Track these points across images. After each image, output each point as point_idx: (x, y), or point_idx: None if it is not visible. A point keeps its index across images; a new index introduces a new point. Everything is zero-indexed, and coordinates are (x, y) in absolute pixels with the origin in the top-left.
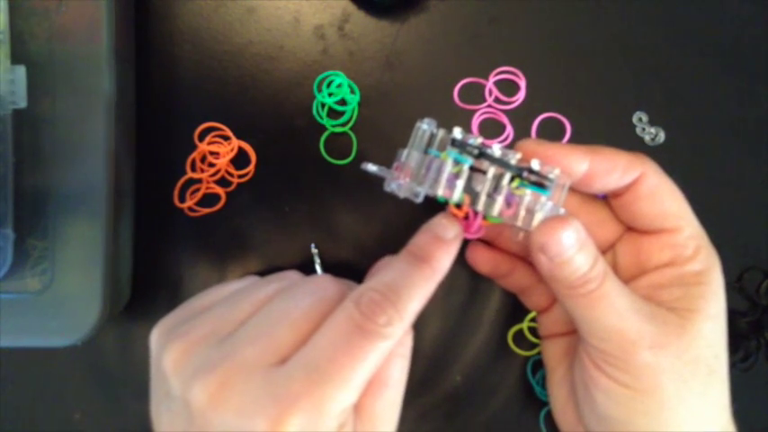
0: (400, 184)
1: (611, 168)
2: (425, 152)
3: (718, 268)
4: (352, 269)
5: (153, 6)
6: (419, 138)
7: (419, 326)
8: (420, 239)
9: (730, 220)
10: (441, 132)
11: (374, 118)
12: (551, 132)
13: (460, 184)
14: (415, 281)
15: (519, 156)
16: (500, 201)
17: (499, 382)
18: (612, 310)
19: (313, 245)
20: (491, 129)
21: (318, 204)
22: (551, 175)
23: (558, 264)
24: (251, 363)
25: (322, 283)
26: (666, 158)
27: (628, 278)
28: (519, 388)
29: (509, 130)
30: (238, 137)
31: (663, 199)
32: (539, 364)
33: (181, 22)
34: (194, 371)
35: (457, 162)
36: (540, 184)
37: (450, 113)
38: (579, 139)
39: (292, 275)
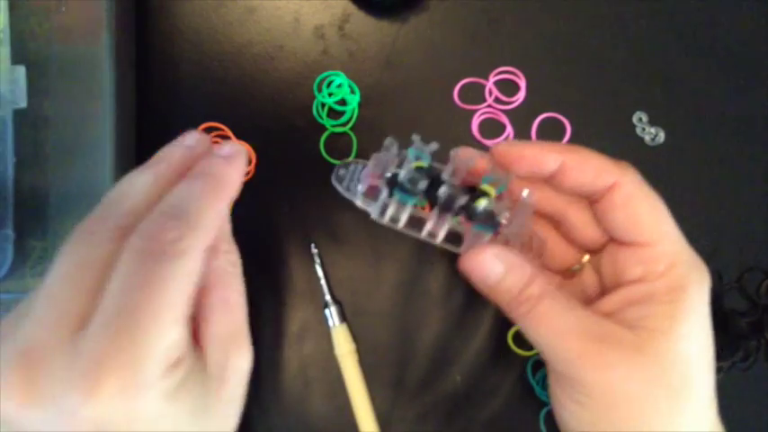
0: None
1: (581, 166)
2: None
3: (697, 286)
4: (352, 268)
5: (153, 6)
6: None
7: (419, 326)
8: (175, 152)
9: (730, 220)
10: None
11: (374, 118)
12: (551, 132)
13: (404, 217)
14: (198, 193)
15: (465, 199)
16: (444, 230)
17: (499, 382)
18: (551, 330)
19: (313, 245)
20: (491, 129)
21: (318, 204)
22: (500, 218)
23: (488, 287)
24: (44, 345)
25: (88, 227)
26: (666, 158)
27: (608, 288)
28: (519, 388)
29: (509, 130)
30: (238, 137)
31: (637, 210)
32: (539, 364)
33: (181, 22)
34: None
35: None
36: (487, 220)
37: (450, 113)
38: (579, 139)
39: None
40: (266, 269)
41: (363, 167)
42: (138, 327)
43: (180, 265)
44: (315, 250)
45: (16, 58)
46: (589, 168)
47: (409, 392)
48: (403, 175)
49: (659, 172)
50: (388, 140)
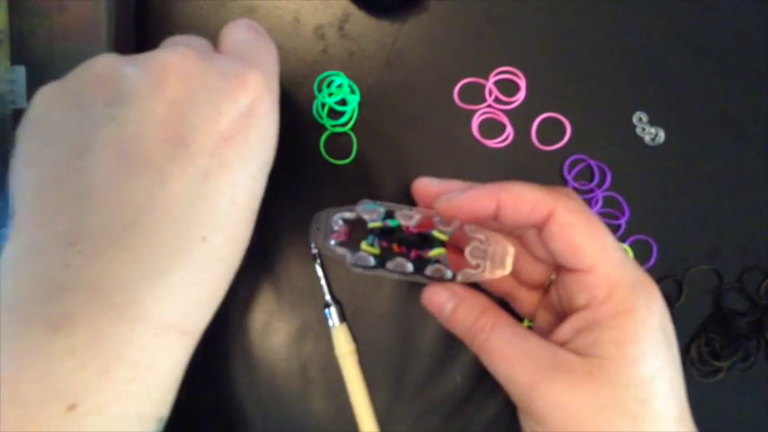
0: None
1: (516, 204)
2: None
3: (644, 307)
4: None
5: (153, 6)
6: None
7: (419, 326)
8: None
9: (730, 220)
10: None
11: (374, 118)
12: (551, 132)
13: (370, 264)
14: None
15: (409, 268)
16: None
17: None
18: (504, 360)
19: (313, 244)
20: (491, 129)
21: (318, 204)
22: (448, 275)
23: (444, 319)
24: (201, 47)
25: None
26: (666, 158)
27: (565, 314)
28: None
29: (509, 130)
30: None
31: (573, 237)
32: None
33: (181, 22)
34: (140, 62)
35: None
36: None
37: (450, 113)
38: (579, 139)
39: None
40: (266, 269)
41: (330, 218)
42: (262, 57)
43: (271, 44)
44: (315, 250)
45: (16, 58)
46: (524, 204)
47: (409, 392)
48: (353, 259)
49: (659, 172)
50: (314, 217)
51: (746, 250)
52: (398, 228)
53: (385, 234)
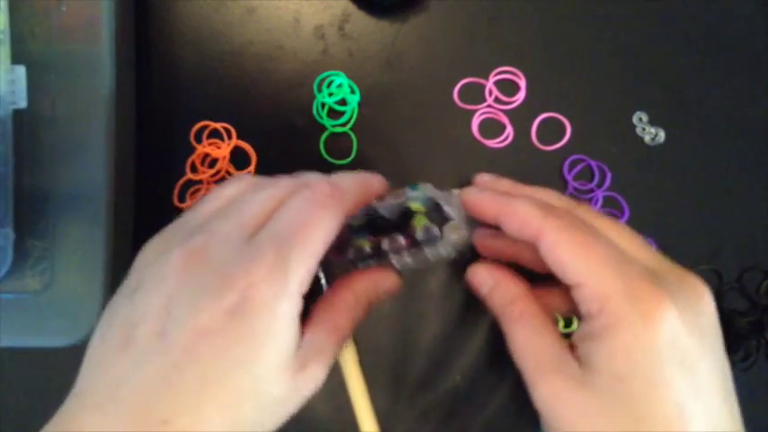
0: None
1: (509, 218)
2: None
3: (638, 322)
4: None
5: (153, 6)
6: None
7: (419, 325)
8: (365, 177)
9: (730, 220)
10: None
11: (374, 118)
12: (551, 132)
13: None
14: (352, 179)
15: (402, 240)
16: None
17: (499, 382)
18: (517, 349)
19: None
20: (491, 129)
21: None
22: (435, 231)
23: (481, 296)
24: (225, 234)
25: (282, 180)
26: (666, 158)
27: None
28: (519, 388)
29: (509, 130)
30: (239, 137)
31: (561, 256)
32: None
33: (181, 22)
34: (172, 244)
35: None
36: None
37: (450, 113)
38: (579, 139)
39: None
40: None
41: None
42: (296, 244)
43: (329, 217)
44: None
45: (16, 58)
46: (515, 221)
47: (409, 392)
48: (350, 255)
49: (659, 172)
50: None
51: (746, 250)
52: (380, 217)
53: (370, 228)
